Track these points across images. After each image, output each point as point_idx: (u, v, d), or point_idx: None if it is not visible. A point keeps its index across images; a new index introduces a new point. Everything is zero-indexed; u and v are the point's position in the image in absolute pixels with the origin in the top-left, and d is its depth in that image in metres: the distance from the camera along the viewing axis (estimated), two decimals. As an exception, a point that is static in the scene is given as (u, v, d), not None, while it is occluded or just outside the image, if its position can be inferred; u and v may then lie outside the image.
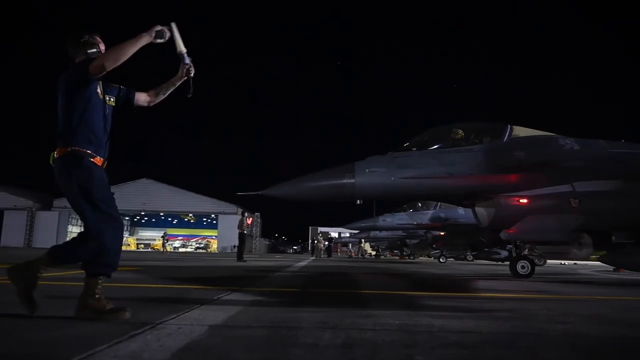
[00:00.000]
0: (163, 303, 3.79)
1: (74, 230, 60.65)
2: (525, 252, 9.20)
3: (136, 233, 77.65)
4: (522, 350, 2.30)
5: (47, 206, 58.04)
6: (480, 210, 9.00)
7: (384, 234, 31.84)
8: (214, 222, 63.10)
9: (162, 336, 2.27)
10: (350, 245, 51.83)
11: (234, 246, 45.19)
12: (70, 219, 59.19)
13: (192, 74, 3.31)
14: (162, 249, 39.23)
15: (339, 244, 56.09)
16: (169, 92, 3.39)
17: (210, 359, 1.92)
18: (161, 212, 63.82)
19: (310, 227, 73.79)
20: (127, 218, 74.64)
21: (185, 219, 70.89)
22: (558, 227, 8.47)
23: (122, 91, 3.24)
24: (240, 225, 18.22)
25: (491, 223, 8.84)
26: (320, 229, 66.04)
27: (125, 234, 75.43)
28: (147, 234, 75.56)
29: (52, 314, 2.88)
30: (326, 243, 38.45)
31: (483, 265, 20.67)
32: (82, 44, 3.05)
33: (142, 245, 68.84)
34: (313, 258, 28.28)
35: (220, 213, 58.71)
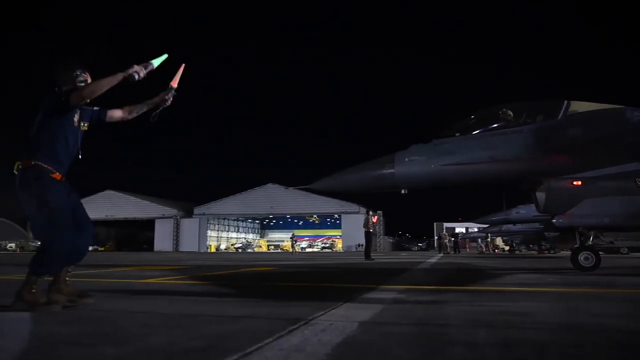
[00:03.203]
0: (308, 300, 3.93)
1: (212, 234, 66.44)
2: (590, 241, 8.10)
3: (266, 235, 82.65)
4: None
5: (189, 214, 64.36)
6: (539, 194, 8.09)
7: (517, 227, 29.89)
8: (338, 221, 64.56)
9: (317, 331, 2.35)
10: (479, 240, 49.48)
11: (359, 245, 45.80)
12: (208, 225, 64.99)
13: (166, 104, 3.71)
14: (291, 250, 41.08)
15: (467, 240, 53.84)
16: (142, 111, 3.72)
17: (371, 354, 1.94)
18: (287, 214, 66.94)
19: (435, 223, 72.07)
20: (257, 221, 79.87)
21: (310, 220, 73.54)
22: (622, 211, 7.52)
23: (94, 113, 3.58)
24: (366, 223, 18.37)
25: (545, 208, 7.96)
26: (446, 224, 64.13)
27: (256, 236, 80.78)
28: (275, 235, 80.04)
29: (199, 312, 3.14)
30: (451, 239, 37.06)
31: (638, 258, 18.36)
32: (74, 77, 3.41)
33: (272, 247, 72.98)
34: (441, 255, 27.47)
35: (343, 213, 59.89)
